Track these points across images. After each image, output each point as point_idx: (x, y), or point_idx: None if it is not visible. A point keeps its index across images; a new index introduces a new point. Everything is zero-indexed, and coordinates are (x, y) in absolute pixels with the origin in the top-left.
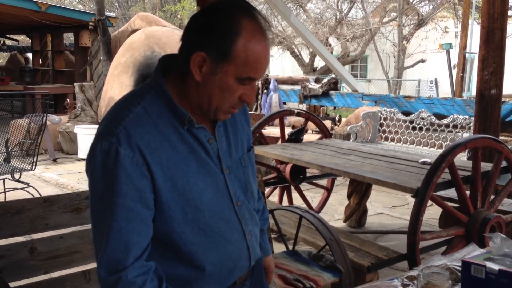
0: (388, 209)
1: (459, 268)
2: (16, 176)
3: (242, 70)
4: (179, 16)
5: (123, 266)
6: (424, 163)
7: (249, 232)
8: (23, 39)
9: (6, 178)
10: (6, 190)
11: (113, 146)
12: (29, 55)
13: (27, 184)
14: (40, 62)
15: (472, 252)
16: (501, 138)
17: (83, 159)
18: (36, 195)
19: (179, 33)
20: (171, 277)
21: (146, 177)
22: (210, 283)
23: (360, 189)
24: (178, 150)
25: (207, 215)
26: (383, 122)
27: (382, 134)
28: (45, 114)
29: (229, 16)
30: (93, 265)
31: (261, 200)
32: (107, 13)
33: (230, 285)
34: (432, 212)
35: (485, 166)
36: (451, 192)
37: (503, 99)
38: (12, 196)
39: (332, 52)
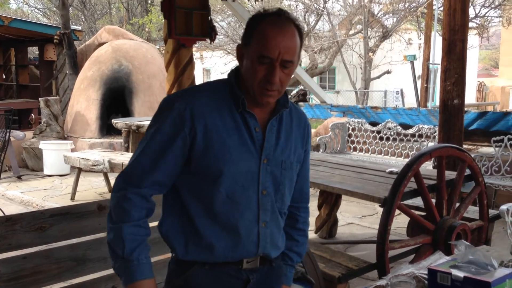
0: (358, 219)
1: (426, 276)
2: None
3: (257, 49)
4: (146, 29)
5: (132, 185)
6: (391, 172)
7: (264, 222)
8: None
9: None
10: None
11: (173, 100)
12: None
13: None
14: (3, 76)
15: (439, 260)
16: (465, 146)
17: (49, 176)
18: None
19: (146, 46)
20: (187, 231)
21: (184, 130)
22: (215, 242)
23: (330, 200)
24: (226, 123)
25: (230, 184)
26: (351, 132)
27: (351, 145)
28: (8, 130)
29: (258, 14)
30: (59, 285)
31: (305, 235)
32: (73, 27)
33: (235, 262)
34: (400, 221)
35: (450, 174)
36: (418, 201)
37: (465, 109)
38: None
39: (300, 64)
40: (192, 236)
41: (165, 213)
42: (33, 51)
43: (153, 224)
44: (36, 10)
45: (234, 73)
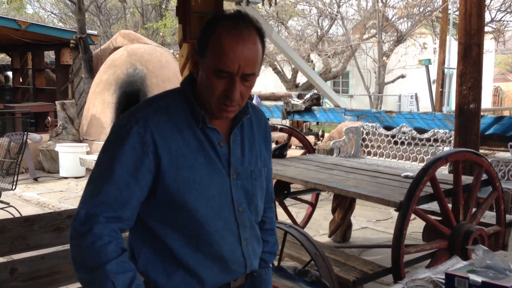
0: (372, 223)
1: (443, 281)
2: None
3: (214, 62)
4: (161, 33)
5: (96, 220)
6: (406, 177)
7: (246, 239)
8: (3, 58)
9: None
10: None
11: (130, 123)
12: (9, 73)
13: (7, 203)
14: (21, 80)
15: (456, 265)
16: (481, 151)
17: (65, 178)
18: (17, 215)
19: (161, 50)
20: (168, 265)
21: (148, 157)
22: (201, 271)
23: (344, 204)
24: (189, 144)
25: (206, 209)
26: (365, 136)
27: (365, 149)
28: (25, 133)
29: (214, 19)
30: (76, 285)
31: (273, 233)
32: (89, 31)
33: (223, 285)
34: (415, 226)
35: (466, 179)
36: (434, 206)
37: (481, 113)
38: None
39: (314, 68)
40: (175, 269)
41: (137, 248)
42: (49, 55)
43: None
44: (52, 15)
45: (188, 81)
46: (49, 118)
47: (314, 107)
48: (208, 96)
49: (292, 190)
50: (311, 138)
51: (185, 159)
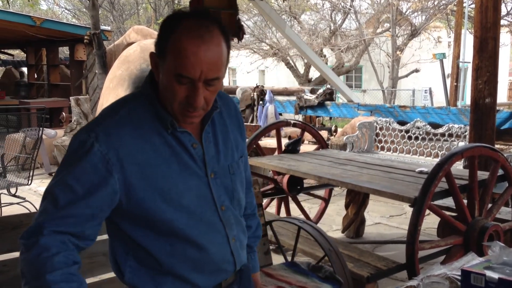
0: (385, 219)
1: (459, 277)
2: (12, 190)
3: (173, 66)
4: None
5: (42, 232)
6: (421, 172)
7: (233, 237)
8: (18, 54)
9: (2, 193)
10: (2, 205)
11: (90, 140)
12: (24, 69)
13: (23, 198)
14: (35, 76)
15: (471, 261)
16: (497, 146)
17: None
18: (33, 209)
19: None
20: (155, 274)
21: (113, 177)
22: (191, 277)
23: (357, 199)
24: (159, 152)
25: (187, 216)
26: (379, 132)
27: (378, 144)
28: (40, 128)
29: (173, 17)
30: (91, 279)
31: (255, 217)
32: (102, 27)
33: (215, 286)
34: (430, 221)
35: (482, 174)
36: (448, 201)
37: (497, 108)
38: (8, 211)
39: (326, 63)
40: (163, 277)
41: (121, 261)
42: (63, 51)
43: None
44: (66, 11)
45: (150, 84)
46: (63, 113)
47: (327, 102)
48: (170, 101)
49: (305, 185)
50: (324, 133)
51: (156, 169)
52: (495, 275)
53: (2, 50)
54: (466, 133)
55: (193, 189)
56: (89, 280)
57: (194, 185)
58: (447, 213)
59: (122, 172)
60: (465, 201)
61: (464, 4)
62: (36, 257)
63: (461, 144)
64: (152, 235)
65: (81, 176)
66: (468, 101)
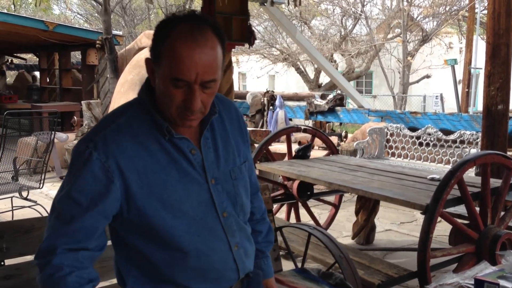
0: (396, 225)
1: (472, 286)
2: (24, 194)
3: (169, 70)
4: None
5: (55, 252)
6: (432, 179)
7: (236, 244)
8: (31, 58)
9: (13, 196)
10: (14, 208)
11: (88, 150)
12: (37, 73)
13: (35, 202)
14: (48, 80)
15: (484, 270)
16: (509, 153)
17: None
18: (44, 213)
19: None
20: (157, 283)
21: (114, 184)
22: (193, 286)
23: (368, 206)
24: (158, 159)
25: (187, 223)
26: (390, 138)
27: (389, 150)
28: (52, 132)
29: (167, 21)
30: (102, 284)
31: (265, 221)
32: (114, 32)
33: None
34: (441, 229)
35: (494, 182)
36: (460, 209)
37: (510, 114)
38: (19, 214)
39: (337, 68)
40: (166, 286)
41: (124, 271)
42: (75, 56)
43: None
44: (78, 16)
45: (146, 90)
46: (75, 117)
47: (338, 108)
48: (168, 105)
49: (315, 191)
50: (334, 139)
51: (156, 176)
52: (509, 285)
53: (15, 54)
54: (478, 140)
55: (193, 196)
56: (99, 285)
57: (194, 191)
58: (459, 220)
59: (123, 180)
60: (477, 209)
61: (476, 10)
62: (49, 277)
63: (473, 151)
64: (153, 245)
65: (83, 188)
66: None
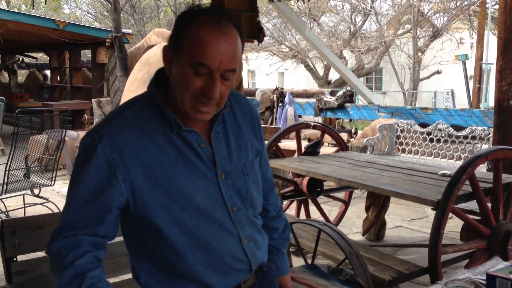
0: (406, 222)
1: (484, 282)
2: (36, 191)
3: (191, 55)
4: None
5: (55, 237)
6: (443, 175)
7: (247, 237)
8: (42, 57)
9: (25, 194)
10: (26, 205)
11: (94, 142)
12: (47, 72)
13: (46, 199)
14: (58, 78)
15: (496, 265)
16: None
17: None
18: (55, 210)
19: None
20: (170, 277)
21: (116, 177)
22: (205, 279)
23: (378, 202)
24: (165, 152)
25: (196, 217)
26: (400, 134)
27: (399, 146)
28: (63, 130)
29: (190, 11)
30: (113, 279)
31: (280, 218)
32: (124, 30)
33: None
34: (452, 225)
35: (506, 177)
36: (472, 204)
37: None
38: (31, 211)
39: (346, 65)
40: (178, 280)
41: (137, 266)
42: (86, 54)
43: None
44: (88, 15)
45: (154, 84)
46: (85, 115)
47: (347, 104)
48: (182, 94)
49: (325, 187)
50: (343, 135)
51: (162, 170)
52: None
53: (26, 53)
54: (490, 135)
55: (202, 189)
56: (111, 281)
57: (202, 185)
58: (471, 216)
59: (127, 173)
60: (489, 205)
61: (487, 5)
62: (52, 261)
63: (485, 146)
64: (163, 240)
65: (87, 179)
66: (490, 103)
